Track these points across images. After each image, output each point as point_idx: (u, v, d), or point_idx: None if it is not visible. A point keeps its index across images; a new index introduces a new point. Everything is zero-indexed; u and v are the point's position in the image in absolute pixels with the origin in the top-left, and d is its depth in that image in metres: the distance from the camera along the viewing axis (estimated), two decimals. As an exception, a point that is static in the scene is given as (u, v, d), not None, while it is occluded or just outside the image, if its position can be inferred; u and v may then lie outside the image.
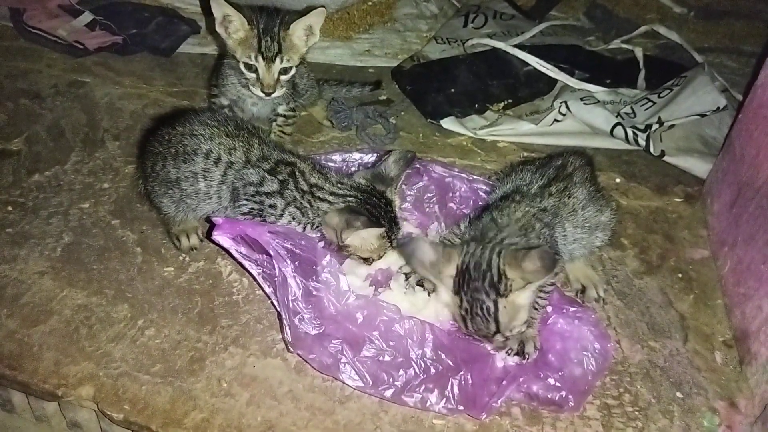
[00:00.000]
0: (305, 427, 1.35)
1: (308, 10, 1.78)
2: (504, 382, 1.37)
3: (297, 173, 1.54)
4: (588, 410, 1.41)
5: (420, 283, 1.56)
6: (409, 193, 1.79)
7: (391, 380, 1.35)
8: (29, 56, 2.52)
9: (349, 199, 1.51)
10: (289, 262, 1.40)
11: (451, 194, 1.80)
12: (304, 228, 1.56)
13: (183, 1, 2.86)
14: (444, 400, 1.34)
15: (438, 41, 2.71)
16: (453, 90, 2.40)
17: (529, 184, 1.58)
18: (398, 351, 1.39)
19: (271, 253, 1.40)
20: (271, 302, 1.48)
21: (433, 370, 1.37)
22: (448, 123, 2.29)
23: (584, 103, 2.26)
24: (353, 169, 1.82)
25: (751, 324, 1.54)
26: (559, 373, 1.39)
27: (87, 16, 2.64)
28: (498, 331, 1.32)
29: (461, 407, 1.34)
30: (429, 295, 1.55)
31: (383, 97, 2.46)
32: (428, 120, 2.32)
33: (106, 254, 1.72)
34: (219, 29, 1.79)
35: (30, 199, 1.87)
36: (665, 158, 2.14)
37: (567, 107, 2.24)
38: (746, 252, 1.65)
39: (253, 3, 1.83)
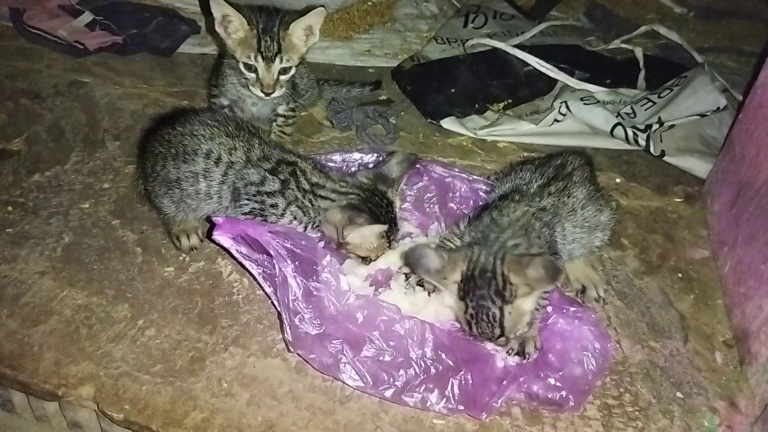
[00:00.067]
0: (305, 427, 1.35)
1: (308, 9, 1.77)
2: (504, 382, 1.37)
3: (298, 172, 1.54)
4: (588, 410, 1.41)
5: (420, 284, 1.56)
6: (409, 193, 1.79)
7: (391, 380, 1.35)
8: (29, 56, 2.52)
9: (351, 196, 1.51)
10: (289, 261, 1.40)
11: (451, 194, 1.80)
12: (306, 227, 1.56)
13: (183, 1, 2.86)
14: (444, 400, 1.34)
15: (438, 41, 2.71)
16: (453, 90, 2.40)
17: (529, 184, 1.59)
18: (398, 351, 1.39)
19: (272, 252, 1.40)
20: (272, 302, 1.48)
21: (433, 370, 1.37)
22: (448, 123, 2.29)
23: (584, 103, 2.26)
24: (353, 169, 1.82)
25: (751, 324, 1.54)
26: (560, 373, 1.39)
27: (87, 16, 2.64)
28: (502, 335, 1.33)
29: (461, 407, 1.34)
30: (429, 295, 1.55)
31: (383, 97, 2.46)
32: (428, 120, 2.32)
33: (106, 254, 1.72)
34: (218, 29, 1.79)
35: (30, 199, 1.87)
36: (665, 158, 2.14)
37: (567, 107, 2.24)
38: (746, 252, 1.65)
39: (253, 3, 1.83)
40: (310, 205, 1.53)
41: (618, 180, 2.11)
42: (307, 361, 1.41)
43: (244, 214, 1.56)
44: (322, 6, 1.79)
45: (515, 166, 1.75)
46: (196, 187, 1.58)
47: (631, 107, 2.29)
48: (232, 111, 1.98)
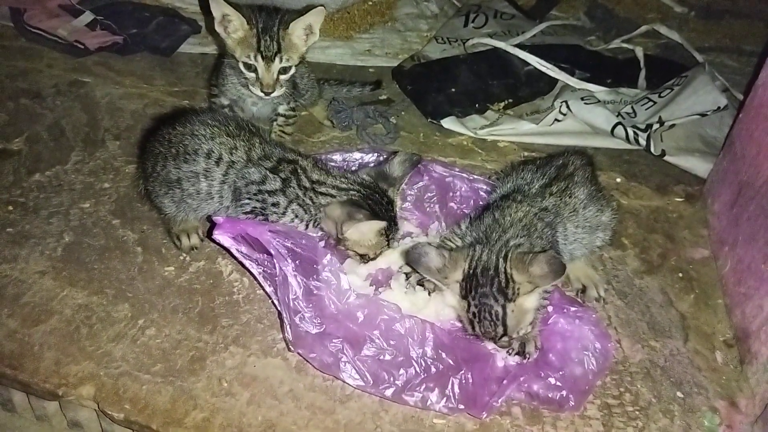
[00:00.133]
0: (306, 427, 1.35)
1: (308, 9, 1.78)
2: (505, 382, 1.37)
3: (299, 170, 1.54)
4: (588, 410, 1.41)
5: (420, 283, 1.56)
6: (409, 192, 1.79)
7: (391, 379, 1.35)
8: (30, 56, 2.52)
9: (352, 193, 1.51)
10: (289, 261, 1.40)
11: (451, 194, 1.80)
12: (307, 225, 1.56)
13: (183, 1, 2.87)
14: (444, 399, 1.34)
15: (438, 41, 2.71)
16: (453, 90, 2.40)
17: (530, 184, 1.58)
18: (399, 350, 1.39)
19: (272, 252, 1.40)
20: (272, 301, 1.48)
21: (433, 370, 1.37)
22: (448, 123, 2.29)
23: (585, 103, 2.26)
24: (354, 168, 1.82)
25: (751, 323, 1.54)
26: (560, 373, 1.39)
27: (87, 16, 2.64)
28: (505, 333, 1.33)
29: (462, 406, 1.34)
30: (429, 294, 1.55)
31: (384, 97, 2.46)
32: (429, 120, 2.32)
33: (106, 254, 1.72)
34: (218, 29, 1.79)
35: (31, 198, 1.87)
36: (666, 158, 2.14)
37: (568, 107, 2.24)
38: (747, 251, 1.65)
39: (253, 2, 1.83)
40: (311, 203, 1.53)
41: (618, 179, 2.11)
42: (307, 361, 1.41)
43: (246, 213, 1.56)
44: (322, 5, 1.79)
45: (516, 166, 1.75)
46: (197, 187, 1.58)
47: (632, 107, 2.29)
48: (233, 111, 1.98)
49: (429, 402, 1.34)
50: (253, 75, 1.81)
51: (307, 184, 1.53)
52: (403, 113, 2.38)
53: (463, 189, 1.79)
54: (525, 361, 1.42)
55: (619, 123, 2.17)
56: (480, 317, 1.33)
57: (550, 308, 1.48)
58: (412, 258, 1.37)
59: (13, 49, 2.56)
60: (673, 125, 2.19)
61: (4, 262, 1.67)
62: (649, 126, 2.15)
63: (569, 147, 2.10)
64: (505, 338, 1.35)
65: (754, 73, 1.96)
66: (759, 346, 1.49)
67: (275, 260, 1.39)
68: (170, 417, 1.35)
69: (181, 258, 1.72)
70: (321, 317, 1.39)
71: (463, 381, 1.35)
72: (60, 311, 1.56)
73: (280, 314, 1.44)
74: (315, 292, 1.41)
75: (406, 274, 1.59)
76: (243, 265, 1.46)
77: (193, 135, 1.57)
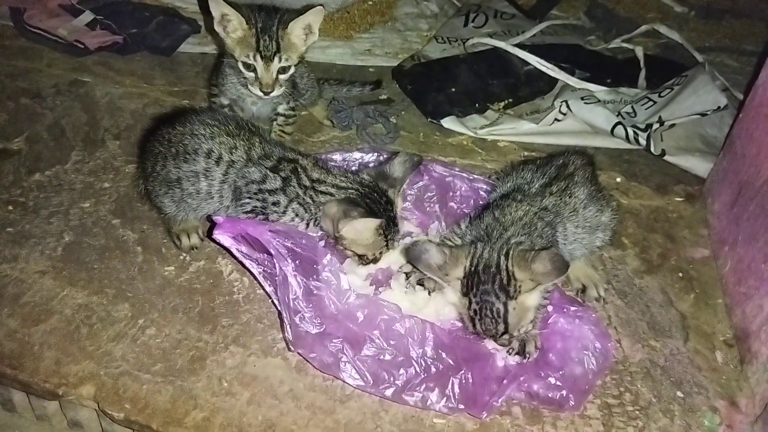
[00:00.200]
0: (306, 426, 1.35)
1: (307, 8, 1.77)
2: (505, 381, 1.37)
3: (299, 169, 1.54)
4: (589, 409, 1.41)
5: (420, 283, 1.56)
6: (409, 192, 1.79)
7: (391, 379, 1.35)
8: (30, 56, 2.52)
9: (350, 191, 1.51)
10: (289, 260, 1.40)
11: (451, 193, 1.80)
12: (307, 224, 1.55)
13: (183, 1, 2.86)
14: (445, 399, 1.34)
15: (438, 40, 2.71)
16: (453, 89, 2.40)
17: (530, 183, 1.58)
18: (399, 350, 1.39)
19: (272, 252, 1.40)
20: (272, 301, 1.48)
21: (433, 369, 1.37)
22: (448, 122, 2.29)
23: (585, 103, 2.26)
24: (354, 168, 1.82)
25: (751, 323, 1.54)
26: (560, 372, 1.39)
27: (87, 16, 2.64)
28: (506, 331, 1.33)
29: (462, 406, 1.34)
30: (429, 294, 1.55)
31: (384, 97, 2.46)
32: (429, 119, 2.32)
33: (106, 254, 1.72)
34: (217, 28, 1.79)
35: (31, 198, 1.87)
36: (666, 157, 2.14)
37: (568, 106, 2.24)
38: (747, 251, 1.65)
39: (252, 2, 1.83)
40: (311, 202, 1.53)
41: (618, 179, 2.11)
42: (307, 360, 1.41)
43: (246, 212, 1.56)
44: (321, 5, 1.79)
45: (516, 165, 1.75)
46: (197, 187, 1.58)
47: (632, 106, 2.29)
48: (233, 110, 1.98)
49: (429, 402, 1.34)
50: (252, 74, 1.81)
51: (308, 183, 1.53)
52: (403, 113, 2.38)
53: (463, 189, 1.79)
54: (525, 360, 1.42)
55: (619, 123, 2.17)
56: (481, 314, 1.33)
57: (550, 308, 1.48)
58: (413, 255, 1.37)
59: (13, 48, 2.56)
60: (673, 125, 2.19)
61: (4, 262, 1.67)
62: (649, 126, 2.15)
63: (569, 147, 2.10)
64: (506, 336, 1.35)
65: (754, 72, 1.96)
66: (759, 346, 1.49)
67: (275, 260, 1.39)
68: (170, 416, 1.35)
69: (181, 258, 1.72)
70: (321, 317, 1.39)
71: (463, 381, 1.35)
72: (60, 311, 1.56)
73: (280, 314, 1.44)
74: (315, 292, 1.41)
75: (406, 273, 1.59)
76: (243, 265, 1.46)
77: (193, 134, 1.57)
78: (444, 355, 1.39)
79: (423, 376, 1.36)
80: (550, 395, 1.38)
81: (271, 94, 1.83)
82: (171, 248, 1.74)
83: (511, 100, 2.43)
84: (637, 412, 1.42)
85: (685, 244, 1.89)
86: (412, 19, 3.00)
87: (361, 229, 1.48)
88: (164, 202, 1.64)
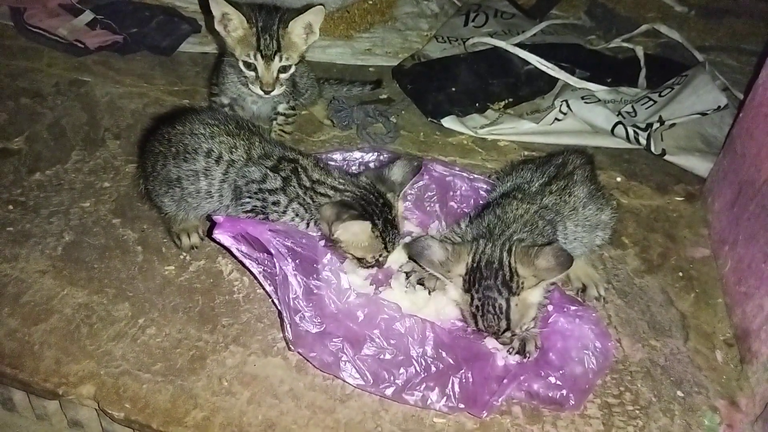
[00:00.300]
0: (306, 426, 1.35)
1: (307, 8, 1.77)
2: (505, 381, 1.37)
3: (299, 169, 1.54)
4: (589, 409, 1.41)
5: (420, 282, 1.56)
6: (409, 192, 1.79)
7: (391, 378, 1.35)
8: (30, 55, 2.52)
9: (347, 193, 1.51)
10: (290, 260, 1.40)
11: (451, 193, 1.80)
12: (307, 225, 1.55)
13: (183, 0, 2.86)
14: (445, 398, 1.34)
15: (439, 40, 2.70)
16: (454, 89, 2.40)
17: (530, 182, 1.59)
18: (399, 349, 1.39)
19: (272, 251, 1.40)
20: (272, 301, 1.48)
21: (433, 369, 1.37)
22: (448, 122, 2.29)
23: (585, 102, 2.25)
24: (354, 168, 1.82)
25: (751, 323, 1.54)
26: (560, 372, 1.39)
27: (88, 15, 2.64)
28: (508, 328, 1.33)
29: (462, 405, 1.34)
30: (430, 293, 1.55)
31: (384, 96, 2.46)
32: (429, 119, 2.32)
33: (106, 253, 1.72)
34: (218, 27, 1.79)
35: (31, 198, 1.87)
36: (666, 157, 2.14)
37: (568, 106, 2.24)
38: (747, 251, 1.65)
39: (253, 1, 1.83)
40: (311, 202, 1.52)
41: (619, 179, 2.11)
42: (307, 360, 1.42)
43: (246, 212, 1.56)
44: (322, 4, 1.78)
45: (516, 165, 1.75)
46: (197, 186, 1.58)
47: (632, 106, 2.29)
48: (233, 109, 1.98)
49: (429, 401, 1.34)
50: (252, 73, 1.81)
51: (308, 184, 1.53)
52: (403, 112, 2.38)
53: (463, 188, 1.79)
54: (525, 360, 1.42)
55: (619, 122, 2.17)
56: (483, 311, 1.32)
57: (550, 307, 1.48)
58: (415, 251, 1.37)
59: (13, 48, 2.56)
60: (673, 124, 2.19)
61: (5, 262, 1.67)
62: (650, 125, 2.15)
63: (569, 146, 2.10)
64: (508, 333, 1.34)
65: (754, 72, 1.96)
66: (759, 346, 1.49)
67: (275, 259, 1.39)
68: (170, 416, 1.35)
69: (182, 257, 1.72)
70: (321, 316, 1.39)
71: (464, 380, 1.35)
72: (60, 310, 1.56)
73: (280, 313, 1.44)
74: (315, 291, 1.41)
75: (407, 273, 1.59)
76: (243, 265, 1.46)
77: (193, 134, 1.57)
78: (444, 354, 1.39)
79: (423, 376, 1.36)
80: (550, 395, 1.38)
81: (272, 93, 1.83)
82: (171, 248, 1.74)
83: (511, 99, 2.42)
84: (637, 412, 1.42)
85: (685, 243, 1.89)
86: (412, 18, 3.00)
87: (357, 232, 1.47)
88: (164, 201, 1.64)
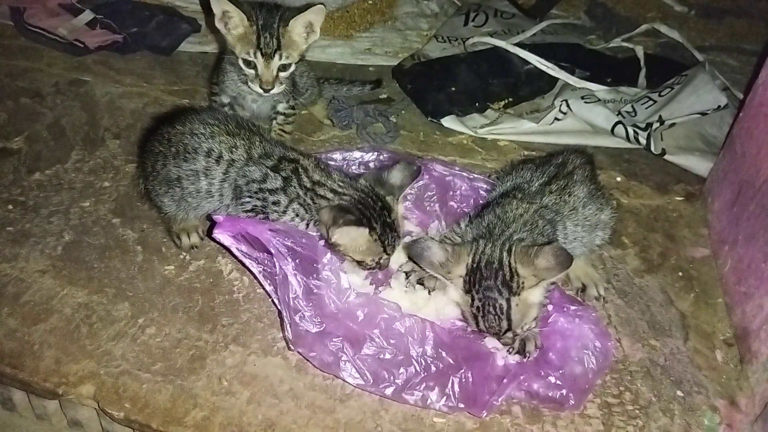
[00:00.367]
0: (306, 426, 1.35)
1: (307, 7, 1.77)
2: (505, 381, 1.37)
3: (300, 170, 1.53)
4: (588, 408, 1.41)
5: (420, 282, 1.56)
6: (409, 191, 1.79)
7: (391, 378, 1.35)
8: (30, 55, 2.52)
9: (345, 197, 1.50)
10: (289, 260, 1.40)
11: (451, 193, 1.80)
12: (307, 225, 1.55)
13: (183, 0, 2.86)
14: (444, 398, 1.34)
15: (438, 40, 2.70)
16: (453, 88, 2.40)
17: (530, 182, 1.59)
18: (399, 349, 1.38)
19: (272, 251, 1.40)
20: (272, 300, 1.48)
21: (433, 368, 1.37)
22: (448, 121, 2.29)
23: (585, 102, 2.26)
24: (354, 168, 1.82)
25: (751, 322, 1.54)
26: (560, 372, 1.39)
27: (87, 15, 2.64)
28: (510, 328, 1.33)
29: (462, 405, 1.34)
30: (429, 293, 1.55)
31: (384, 96, 2.46)
32: (429, 118, 2.32)
33: (106, 253, 1.72)
34: (218, 25, 1.79)
35: (31, 197, 1.87)
36: (666, 157, 2.14)
37: (568, 106, 2.24)
38: (747, 250, 1.65)
39: None
40: (311, 203, 1.52)
41: (618, 178, 2.11)
42: (307, 360, 1.41)
43: (246, 212, 1.56)
44: (322, 4, 1.78)
45: (516, 164, 1.75)
46: (197, 186, 1.57)
47: (632, 106, 2.29)
48: (233, 108, 1.98)
49: (429, 401, 1.34)
50: (252, 72, 1.81)
51: (308, 184, 1.52)
52: (403, 112, 2.38)
53: (463, 188, 1.79)
54: (525, 359, 1.42)
55: (619, 122, 2.17)
56: (484, 311, 1.32)
57: (550, 307, 1.48)
58: (415, 252, 1.37)
59: (13, 48, 2.56)
60: (673, 124, 2.19)
61: (4, 261, 1.67)
62: (650, 125, 2.15)
63: (569, 146, 2.10)
64: (510, 333, 1.34)
65: (754, 72, 1.96)
66: (759, 345, 1.49)
67: (275, 259, 1.39)
68: (170, 416, 1.35)
69: (181, 257, 1.72)
70: (321, 316, 1.39)
71: (463, 380, 1.35)
72: (60, 310, 1.56)
73: (280, 313, 1.44)
74: (315, 290, 1.41)
75: (406, 272, 1.59)
76: (243, 264, 1.46)
77: (193, 133, 1.57)
78: (444, 354, 1.39)
79: (423, 375, 1.36)
80: (550, 394, 1.38)
81: (272, 92, 1.83)
82: (171, 247, 1.74)
83: (511, 99, 2.43)
84: (637, 412, 1.42)
85: (685, 243, 1.89)
86: (412, 18, 3.00)
87: (355, 237, 1.46)
88: (164, 201, 1.64)
